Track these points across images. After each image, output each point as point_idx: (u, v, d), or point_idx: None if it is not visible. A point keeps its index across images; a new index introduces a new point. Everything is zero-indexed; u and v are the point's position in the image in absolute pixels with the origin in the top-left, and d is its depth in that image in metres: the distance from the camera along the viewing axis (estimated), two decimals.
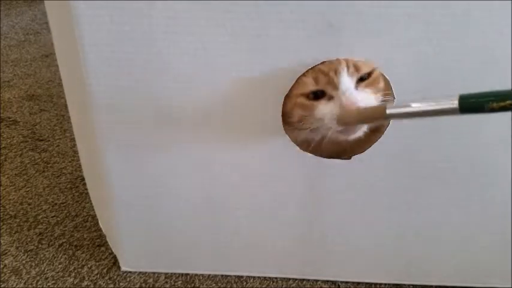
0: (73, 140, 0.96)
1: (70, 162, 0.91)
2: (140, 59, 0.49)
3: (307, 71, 0.47)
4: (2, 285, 0.66)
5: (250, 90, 0.50)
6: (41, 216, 0.78)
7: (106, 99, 0.52)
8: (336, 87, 0.47)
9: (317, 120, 0.49)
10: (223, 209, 0.60)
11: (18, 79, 1.23)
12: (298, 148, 0.53)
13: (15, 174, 0.88)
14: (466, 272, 0.64)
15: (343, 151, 0.54)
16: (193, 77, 0.49)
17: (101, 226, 0.75)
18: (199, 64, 0.48)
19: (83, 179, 0.85)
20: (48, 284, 0.66)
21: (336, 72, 0.47)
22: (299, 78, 0.48)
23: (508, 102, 0.30)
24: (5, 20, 1.64)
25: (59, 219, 0.78)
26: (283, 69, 0.48)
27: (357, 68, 0.47)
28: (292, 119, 0.51)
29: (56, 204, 0.81)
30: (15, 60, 1.34)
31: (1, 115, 1.06)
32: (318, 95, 0.48)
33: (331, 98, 0.48)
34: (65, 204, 0.81)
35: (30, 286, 0.66)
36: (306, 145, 0.53)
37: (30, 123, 1.03)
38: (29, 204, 0.81)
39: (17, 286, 0.66)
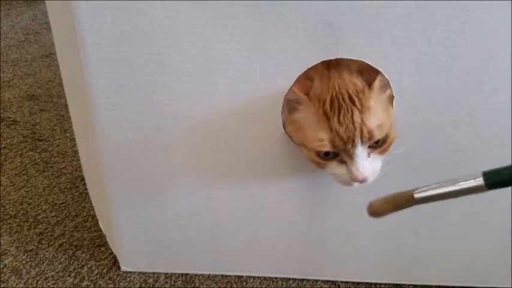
0: (73, 140, 0.95)
1: (70, 162, 0.91)
2: (141, 58, 0.49)
3: (322, 116, 0.46)
4: (2, 285, 0.66)
5: (250, 90, 0.50)
6: (41, 216, 0.78)
7: (106, 99, 0.52)
8: (350, 156, 0.46)
9: (325, 171, 0.49)
10: (223, 209, 0.60)
11: (18, 79, 1.23)
12: (298, 148, 0.53)
13: (15, 174, 0.88)
14: (466, 272, 0.64)
15: None
16: (193, 77, 0.49)
17: (101, 226, 0.75)
18: (199, 64, 0.48)
19: (83, 179, 0.85)
20: (48, 284, 0.66)
21: (353, 142, 0.46)
22: (315, 130, 0.47)
23: None
24: (5, 20, 1.64)
25: (59, 219, 0.78)
26: (283, 69, 0.48)
27: (370, 136, 0.46)
28: (299, 151, 0.51)
29: (56, 204, 0.81)
30: (15, 60, 1.34)
31: (1, 115, 1.06)
32: (329, 154, 0.48)
33: (343, 162, 0.48)
34: (65, 204, 0.81)
35: (30, 286, 0.66)
36: None
37: (30, 123, 1.03)
38: (29, 204, 0.81)
39: (17, 286, 0.66)
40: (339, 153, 0.47)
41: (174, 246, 0.65)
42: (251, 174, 0.57)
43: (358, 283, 0.67)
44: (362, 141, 0.46)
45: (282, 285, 0.67)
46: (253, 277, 0.68)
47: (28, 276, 0.67)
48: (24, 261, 0.70)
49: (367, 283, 0.67)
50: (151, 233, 0.64)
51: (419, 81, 0.49)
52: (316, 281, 0.67)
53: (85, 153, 0.70)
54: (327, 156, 0.48)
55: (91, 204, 0.80)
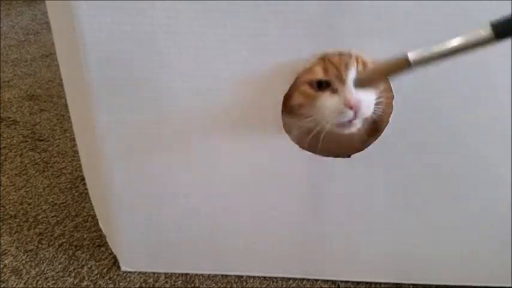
0: (73, 140, 0.95)
1: (70, 162, 0.91)
2: (141, 58, 0.49)
3: (317, 60, 0.48)
4: (2, 285, 0.66)
5: (250, 89, 0.50)
6: (41, 216, 0.78)
7: (106, 99, 0.52)
8: (342, 81, 0.47)
9: (317, 111, 0.49)
10: (223, 208, 0.60)
11: (18, 79, 1.23)
12: (298, 147, 0.53)
13: (15, 174, 0.88)
14: (466, 272, 0.64)
15: (341, 148, 0.54)
16: (193, 77, 0.49)
17: (101, 226, 0.75)
18: (199, 64, 0.49)
19: (83, 179, 0.85)
20: (48, 284, 0.66)
21: (346, 66, 0.47)
22: (308, 65, 0.48)
23: None
24: (5, 20, 1.64)
25: (59, 219, 0.78)
26: (283, 69, 0.48)
27: (364, 66, 0.47)
28: (292, 103, 0.51)
29: (56, 204, 0.81)
30: (15, 60, 1.34)
31: (1, 115, 1.06)
32: (322, 85, 0.48)
33: (335, 91, 0.48)
34: (65, 204, 0.81)
35: (30, 286, 0.66)
36: (302, 137, 0.53)
37: (30, 123, 1.03)
38: (29, 204, 0.81)
39: (17, 286, 0.66)
40: (330, 84, 0.48)
41: (174, 246, 0.65)
42: (251, 175, 0.57)
43: (358, 283, 0.67)
44: (356, 67, 0.47)
45: (282, 285, 0.67)
46: (253, 277, 0.68)
47: (28, 276, 0.67)
48: (24, 261, 0.70)
49: (367, 283, 0.67)
50: (151, 233, 0.64)
51: (419, 81, 0.49)
52: (316, 280, 0.67)
53: (85, 153, 0.70)
54: (319, 87, 0.48)
55: (91, 204, 0.80)
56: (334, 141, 0.51)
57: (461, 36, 0.30)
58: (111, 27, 0.47)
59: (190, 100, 0.51)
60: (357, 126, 0.49)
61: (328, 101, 0.48)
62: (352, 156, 0.54)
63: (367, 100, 0.48)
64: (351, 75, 0.47)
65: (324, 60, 0.47)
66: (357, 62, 0.47)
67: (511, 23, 0.29)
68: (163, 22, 0.46)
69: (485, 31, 0.29)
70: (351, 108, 0.47)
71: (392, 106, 0.50)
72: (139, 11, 0.46)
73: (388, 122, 0.51)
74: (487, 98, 0.50)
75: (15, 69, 1.29)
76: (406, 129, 0.52)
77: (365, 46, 0.47)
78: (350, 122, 0.48)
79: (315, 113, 0.49)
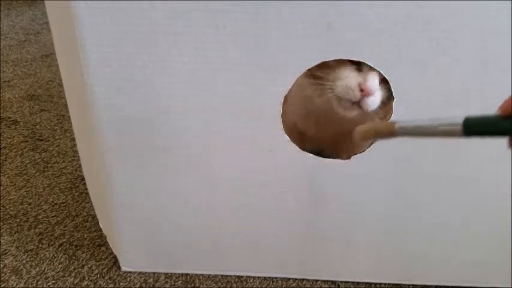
0: (73, 140, 0.96)
1: (70, 162, 0.91)
2: (140, 59, 0.49)
3: None
4: (2, 285, 0.66)
5: (250, 90, 0.50)
6: (41, 216, 0.78)
7: (106, 99, 0.52)
8: (372, 67, 0.48)
9: (334, 81, 0.50)
10: (223, 209, 0.60)
11: (19, 79, 1.23)
12: (298, 148, 0.53)
13: (16, 174, 0.88)
14: (466, 272, 0.64)
15: (340, 142, 0.55)
16: (193, 77, 0.49)
17: (101, 226, 0.75)
18: (199, 64, 0.48)
19: (83, 179, 0.85)
20: (48, 284, 0.66)
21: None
22: None
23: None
24: (5, 20, 1.64)
25: (59, 219, 0.78)
26: (283, 69, 0.48)
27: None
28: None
29: (56, 204, 0.81)
30: (15, 60, 1.34)
31: (1, 115, 1.06)
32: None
33: (360, 69, 0.50)
34: (65, 204, 0.81)
35: (30, 286, 0.66)
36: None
37: (30, 123, 1.03)
38: (29, 204, 0.81)
39: (17, 286, 0.66)
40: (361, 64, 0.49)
41: (174, 246, 0.65)
42: (251, 174, 0.57)
43: (358, 283, 0.67)
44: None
45: (282, 285, 0.67)
46: (253, 277, 0.68)
47: (28, 276, 0.67)
48: (24, 261, 0.70)
49: (367, 283, 0.67)
50: (151, 233, 0.64)
51: (419, 81, 0.49)
52: (316, 281, 0.67)
53: (85, 153, 0.70)
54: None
55: (91, 204, 0.80)
56: (332, 125, 0.53)
57: (437, 124, 0.33)
58: (111, 27, 0.47)
59: (190, 100, 0.51)
60: (354, 113, 0.50)
61: (348, 76, 0.50)
62: (352, 157, 0.54)
63: (377, 96, 0.49)
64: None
65: None
66: None
67: (482, 124, 0.30)
68: (163, 22, 0.46)
69: (458, 126, 0.31)
70: (362, 90, 0.48)
71: (392, 108, 0.50)
72: (139, 11, 0.46)
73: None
74: (486, 99, 0.50)
75: (16, 69, 1.29)
76: None
77: (365, 46, 0.47)
78: (352, 104, 0.50)
79: (330, 83, 0.50)
